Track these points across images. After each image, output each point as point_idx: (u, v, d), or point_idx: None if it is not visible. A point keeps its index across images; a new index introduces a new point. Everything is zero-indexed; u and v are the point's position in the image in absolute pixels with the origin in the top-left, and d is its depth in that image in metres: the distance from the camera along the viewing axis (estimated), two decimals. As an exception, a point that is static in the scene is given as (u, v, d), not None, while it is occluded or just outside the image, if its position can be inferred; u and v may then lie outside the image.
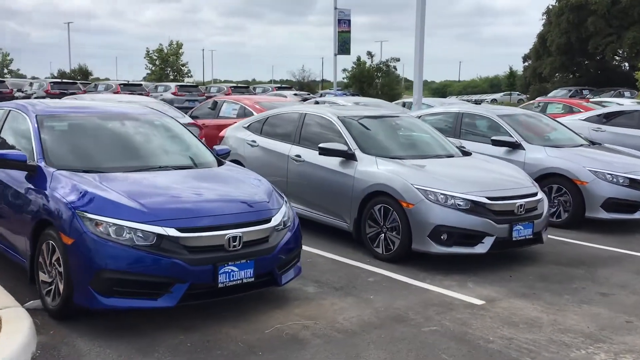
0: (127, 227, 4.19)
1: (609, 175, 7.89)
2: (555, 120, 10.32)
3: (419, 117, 10.38)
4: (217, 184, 5.10)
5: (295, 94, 30.02)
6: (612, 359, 4.24)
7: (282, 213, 4.97)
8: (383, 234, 6.40)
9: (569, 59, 48.11)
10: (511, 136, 8.81)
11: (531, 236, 6.32)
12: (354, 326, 4.67)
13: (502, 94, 69.53)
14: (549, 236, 7.28)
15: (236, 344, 4.27)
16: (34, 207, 4.69)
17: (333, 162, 6.98)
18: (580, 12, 44.74)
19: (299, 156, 7.46)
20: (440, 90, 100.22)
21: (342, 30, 38.52)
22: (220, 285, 4.36)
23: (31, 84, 32.64)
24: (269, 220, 4.76)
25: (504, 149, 8.77)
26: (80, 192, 4.43)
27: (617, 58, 48.63)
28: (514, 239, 6.17)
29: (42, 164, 4.87)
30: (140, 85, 33.82)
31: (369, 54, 41.85)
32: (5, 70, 77.40)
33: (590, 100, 22.42)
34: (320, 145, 6.92)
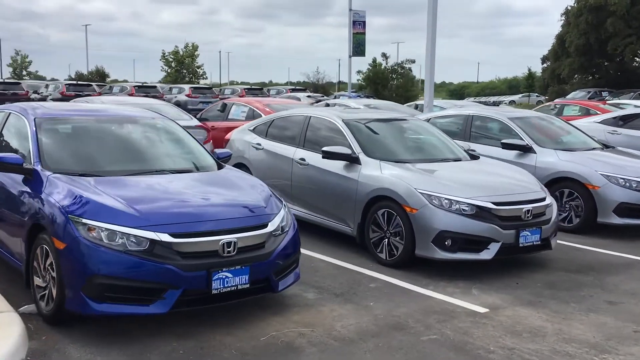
0: (119, 232, 4.14)
1: (622, 180, 7.70)
2: (568, 123, 10.12)
3: (429, 119, 10.26)
4: (213, 188, 5.02)
5: (308, 96, 30.02)
6: (617, 372, 4.11)
7: (280, 218, 4.88)
8: (387, 239, 6.29)
9: (587, 60, 47.52)
10: (522, 139, 8.64)
11: (539, 242, 6.17)
12: (351, 334, 4.57)
13: (520, 95, 68.95)
14: (559, 242, 7.12)
15: (230, 351, 4.20)
16: (29, 210, 4.65)
17: (337, 166, 6.89)
18: (599, 13, 44.15)
19: (303, 159, 7.37)
20: (458, 91, 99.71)
21: (357, 32, 38.25)
22: (214, 291, 4.29)
23: (47, 86, 32.95)
24: (265, 226, 4.68)
25: (514, 152, 8.60)
26: (74, 196, 4.38)
27: (636, 59, 47.91)
28: (520, 245, 6.03)
29: (39, 168, 4.83)
30: (155, 87, 33.99)
31: (384, 55, 41.65)
32: (24, 72, 78.29)
33: (608, 102, 22.06)
34: (324, 148, 6.83)
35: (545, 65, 54.98)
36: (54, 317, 4.35)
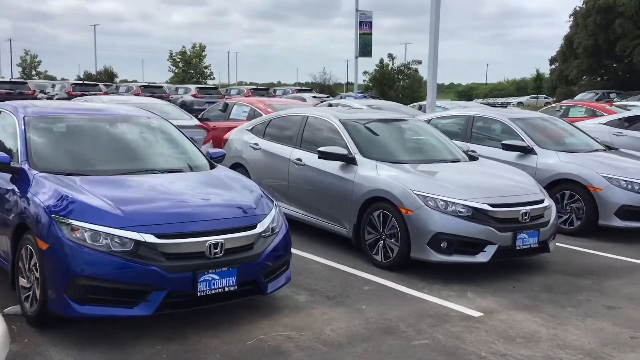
0: (103, 232, 4.07)
1: (624, 182, 7.57)
2: (572, 125, 9.99)
3: (430, 120, 10.16)
4: (203, 188, 4.95)
5: (314, 97, 29.95)
6: (612, 379, 4.00)
7: (270, 219, 4.80)
8: (382, 241, 6.20)
9: (596, 61, 47.18)
10: (523, 140, 8.52)
11: (536, 245, 6.06)
12: (340, 338, 4.48)
13: (528, 96, 68.62)
14: (559, 244, 7.01)
15: (215, 355, 4.11)
16: (15, 209, 4.59)
17: (333, 166, 6.80)
18: (607, 14, 43.83)
19: (299, 160, 7.29)
20: (467, 93, 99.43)
21: (364, 32, 38.13)
22: (200, 293, 4.21)
23: (53, 86, 33.02)
24: (254, 227, 4.59)
25: (515, 153, 8.49)
26: (59, 196, 4.32)
27: (646, 61, 47.50)
28: (517, 247, 5.92)
29: (26, 167, 4.77)
30: (161, 87, 34.01)
31: (390, 56, 41.54)
32: (33, 72, 78.67)
33: (615, 103, 21.85)
34: (320, 149, 6.75)
35: (553, 66, 54.66)
36: (38, 318, 4.29)
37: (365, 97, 34.16)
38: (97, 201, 4.27)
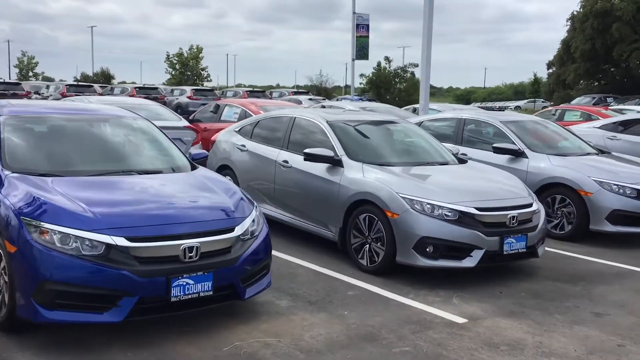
0: (73, 235, 3.94)
1: (615, 186, 7.46)
2: (564, 128, 9.88)
3: (421, 122, 10.05)
4: (180, 190, 4.82)
5: (310, 99, 29.81)
6: (596, 389, 3.87)
7: (250, 222, 4.68)
8: (368, 245, 6.08)
9: (593, 65, 47.10)
10: (514, 143, 8.41)
11: (524, 250, 5.94)
12: (319, 345, 4.36)
13: (526, 101, 68.58)
14: (549, 249, 6.91)
15: (188, 362, 3.99)
16: (-15, 212, 4.46)
17: (320, 168, 6.68)
18: (605, 18, 43.78)
19: (286, 161, 7.17)
20: (465, 96, 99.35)
21: (361, 35, 38.06)
22: (173, 299, 4.08)
23: (48, 87, 32.89)
24: (232, 230, 4.47)
25: (506, 156, 8.38)
26: (29, 198, 4.19)
27: (643, 65, 47.46)
28: (505, 252, 5.80)
29: (-1, 167, 4.64)
30: (156, 89, 33.92)
31: (387, 59, 41.43)
32: (30, 74, 78.52)
33: (611, 107, 21.77)
34: (306, 150, 6.63)
35: (550, 70, 54.58)
36: (5, 324, 4.15)
37: (361, 99, 34.06)
38: (68, 203, 4.14)
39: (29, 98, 27.41)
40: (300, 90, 41.17)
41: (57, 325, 4.16)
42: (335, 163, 6.55)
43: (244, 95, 33.41)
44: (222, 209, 4.63)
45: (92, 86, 32.84)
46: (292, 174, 7.07)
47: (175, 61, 57.60)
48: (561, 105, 29.18)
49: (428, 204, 5.73)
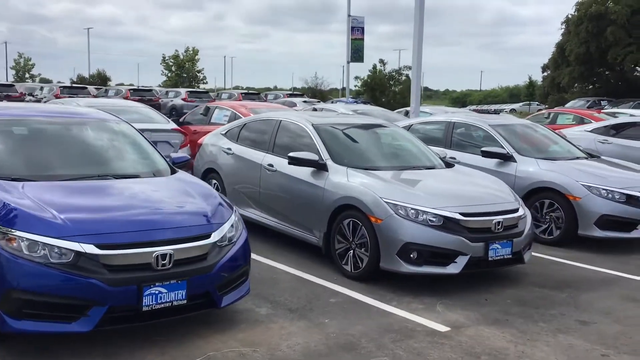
0: (41, 242, 3.82)
1: (604, 191, 7.38)
2: (554, 132, 9.80)
3: (411, 126, 9.98)
4: (156, 195, 4.71)
5: (305, 101, 29.74)
6: (578, 401, 3.78)
7: (227, 227, 4.57)
8: (352, 251, 5.98)
9: (587, 69, 47.12)
10: (502, 147, 8.33)
11: (510, 256, 5.84)
12: (296, 354, 4.25)
13: (521, 104, 68.58)
14: (536, 255, 6.84)
15: (159, 373, 3.89)
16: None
17: (304, 173, 6.58)
18: (599, 22, 43.79)
19: (271, 165, 7.08)
20: (461, 99, 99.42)
21: (356, 38, 38.03)
22: (144, 308, 3.97)
23: (42, 88, 32.75)
24: (208, 236, 4.36)
25: (495, 160, 8.30)
26: (-2, 203, 4.08)
27: (637, 68, 47.49)
28: (490, 258, 5.70)
29: (-31, 172, 4.53)
30: (150, 90, 33.80)
31: (382, 61, 41.40)
32: (27, 75, 78.30)
33: (604, 111, 21.73)
34: (290, 154, 6.53)
35: (545, 73, 54.60)
36: (-27, 333, 4.04)
37: (356, 102, 34.00)
38: (38, 209, 4.03)
39: (22, 100, 27.26)
40: (295, 93, 41.03)
41: (24, 335, 4.05)
42: (319, 167, 6.45)
43: (239, 97, 33.33)
44: (199, 214, 4.52)
45: (87, 88, 32.69)
46: (277, 178, 6.97)
47: (171, 63, 57.46)
48: (556, 108, 29.20)
49: (412, 209, 5.64)
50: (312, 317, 4.98)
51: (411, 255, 5.57)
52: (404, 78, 41.61)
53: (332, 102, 32.09)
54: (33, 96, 31.09)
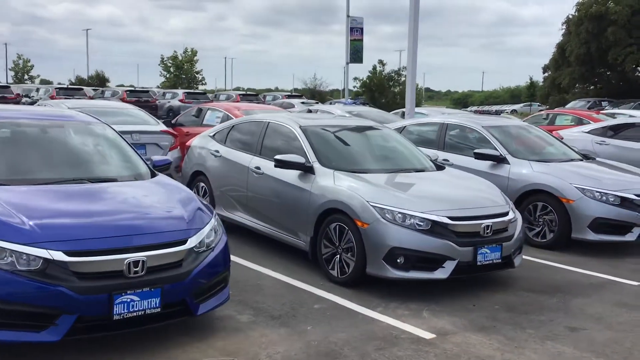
0: (8, 249, 3.70)
1: (598, 193, 7.24)
2: (549, 133, 9.67)
3: (404, 127, 9.85)
4: (132, 200, 4.59)
5: (302, 102, 29.62)
6: (563, 413, 3.65)
7: (205, 233, 4.44)
8: (338, 255, 5.85)
9: (588, 69, 46.93)
10: (495, 149, 8.20)
11: (499, 260, 5.71)
12: (275, 364, 4.13)
13: (522, 104, 68.41)
14: (529, 258, 6.73)
15: (131, 384, 3.76)
16: None
17: (291, 176, 6.45)
18: (600, 22, 43.61)
19: (258, 168, 6.95)
20: (462, 100, 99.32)
21: (355, 39, 37.95)
22: (116, 317, 3.84)
23: (37, 90, 32.67)
24: (183, 242, 4.23)
25: (488, 162, 8.16)
26: (-35, 208, 3.95)
27: (638, 69, 47.29)
28: (479, 263, 5.57)
29: (-60, 176, 4.41)
30: (147, 92, 33.71)
31: (381, 62, 41.25)
32: (26, 77, 78.29)
33: (602, 112, 21.59)
34: (276, 157, 6.40)
35: (546, 74, 54.43)
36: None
37: (355, 103, 33.88)
38: (6, 214, 3.91)
39: (18, 102, 27.19)
40: (293, 94, 40.91)
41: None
42: (306, 170, 6.33)
43: (236, 98, 33.20)
44: (175, 219, 4.39)
45: (82, 89, 32.59)
46: (265, 181, 6.85)
47: (169, 64, 57.38)
48: (556, 109, 29.03)
49: (399, 213, 5.51)
50: (295, 324, 4.85)
51: (398, 260, 5.44)
52: (403, 79, 41.41)
53: (331, 104, 32.01)
54: (29, 97, 31.02)
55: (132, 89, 34.96)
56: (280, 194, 6.59)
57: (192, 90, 38.92)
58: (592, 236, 7.17)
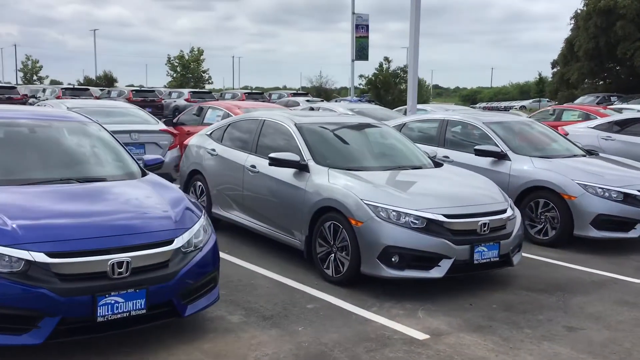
0: (-12, 251, 3.64)
1: (600, 190, 7.10)
2: (552, 129, 9.52)
3: (404, 124, 9.74)
4: (119, 199, 4.52)
5: (308, 100, 29.52)
6: (557, 416, 3.54)
7: (193, 232, 4.36)
8: (333, 254, 5.77)
9: (597, 64, 46.49)
10: (496, 145, 8.07)
11: (497, 258, 5.60)
12: (263, 366, 4.05)
13: (531, 100, 67.99)
14: (529, 256, 6.63)
15: (114, 387, 3.69)
16: None
17: (286, 174, 6.37)
18: (608, 17, 43.19)
19: (254, 166, 6.87)
20: (471, 97, 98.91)
21: (360, 36, 37.75)
22: (100, 319, 3.77)
23: (44, 90, 32.78)
24: (169, 242, 4.15)
25: (489, 159, 8.04)
26: (-54, 210, 3.90)
27: (647, 63, 46.80)
28: (475, 261, 5.46)
29: None
30: (153, 91, 33.72)
31: (387, 59, 41.07)
32: (35, 77, 78.69)
33: (610, 107, 21.35)
34: (271, 155, 6.32)
35: (555, 70, 54.01)
36: None
37: (360, 100, 33.76)
38: (-13, 215, 3.85)
39: (25, 102, 27.27)
40: (299, 92, 40.82)
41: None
42: (301, 168, 6.24)
43: (242, 97, 33.17)
44: (162, 219, 4.31)
45: (89, 90, 32.67)
46: (260, 179, 6.77)
47: (176, 64, 57.44)
48: (564, 104, 28.77)
49: (394, 211, 5.41)
50: (286, 325, 4.77)
51: (392, 259, 5.34)
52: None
53: (337, 101, 31.92)
54: (36, 98, 31.12)
55: (138, 88, 34.96)
56: (276, 192, 6.51)
57: (197, 90, 38.90)
58: (594, 233, 7.04)
